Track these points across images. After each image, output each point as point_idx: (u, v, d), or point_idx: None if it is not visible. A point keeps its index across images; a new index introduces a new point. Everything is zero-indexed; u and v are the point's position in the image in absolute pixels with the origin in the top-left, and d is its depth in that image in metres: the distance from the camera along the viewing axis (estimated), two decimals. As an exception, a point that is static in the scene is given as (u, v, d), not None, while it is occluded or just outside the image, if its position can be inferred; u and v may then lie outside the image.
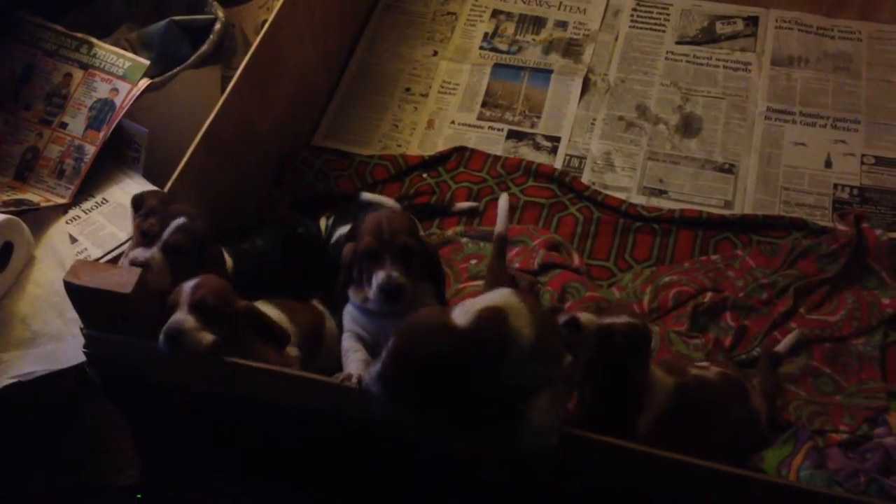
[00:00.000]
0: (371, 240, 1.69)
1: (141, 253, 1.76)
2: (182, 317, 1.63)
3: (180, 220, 1.80)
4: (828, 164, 2.49)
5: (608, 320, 1.60)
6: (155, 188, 2.05)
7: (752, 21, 2.85)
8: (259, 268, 2.01)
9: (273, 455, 1.84)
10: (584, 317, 1.58)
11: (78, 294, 1.62)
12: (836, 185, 2.45)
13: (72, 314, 1.71)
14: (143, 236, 1.79)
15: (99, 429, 2.05)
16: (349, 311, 1.80)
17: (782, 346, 2.03)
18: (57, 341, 1.92)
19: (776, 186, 2.45)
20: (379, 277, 1.67)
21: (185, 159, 1.97)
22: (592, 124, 2.63)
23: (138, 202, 1.87)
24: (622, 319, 1.60)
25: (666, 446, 1.56)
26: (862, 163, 2.49)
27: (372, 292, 1.68)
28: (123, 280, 1.59)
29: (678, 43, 2.82)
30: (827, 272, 2.18)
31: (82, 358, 1.73)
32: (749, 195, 2.44)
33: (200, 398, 1.74)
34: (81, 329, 1.69)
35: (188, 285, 1.68)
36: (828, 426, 1.90)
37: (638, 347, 1.62)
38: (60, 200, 2.18)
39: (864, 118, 2.58)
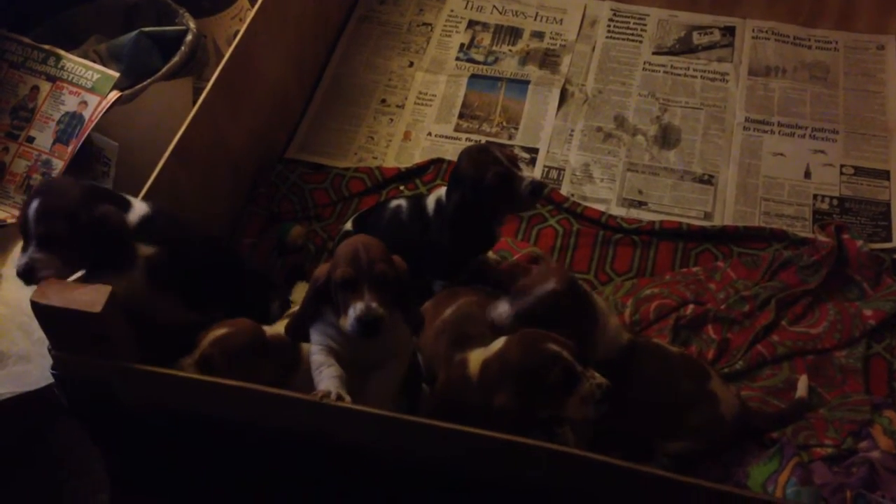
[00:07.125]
0: (348, 269, 1.64)
1: (18, 261, 1.59)
2: None
3: (35, 204, 1.62)
4: (807, 174, 2.48)
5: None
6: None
7: (729, 31, 2.84)
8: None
9: (251, 477, 1.80)
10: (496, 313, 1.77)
11: (46, 314, 1.57)
12: (815, 196, 2.44)
13: (40, 334, 1.66)
14: (23, 237, 1.63)
15: (69, 452, 2.00)
16: (319, 326, 1.76)
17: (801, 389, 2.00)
18: (25, 362, 1.88)
19: (756, 197, 2.44)
20: (357, 309, 1.62)
21: (155, 173, 1.93)
22: (570, 135, 2.61)
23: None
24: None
25: None
26: (841, 173, 2.48)
27: (349, 322, 1.62)
28: (93, 299, 1.54)
29: (655, 53, 2.81)
30: (808, 284, 2.16)
31: (51, 379, 1.68)
32: (729, 206, 2.42)
33: (174, 419, 1.70)
34: (50, 350, 1.63)
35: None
36: (812, 440, 1.88)
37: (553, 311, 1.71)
38: (28, 216, 2.13)
39: (843, 128, 2.57)
